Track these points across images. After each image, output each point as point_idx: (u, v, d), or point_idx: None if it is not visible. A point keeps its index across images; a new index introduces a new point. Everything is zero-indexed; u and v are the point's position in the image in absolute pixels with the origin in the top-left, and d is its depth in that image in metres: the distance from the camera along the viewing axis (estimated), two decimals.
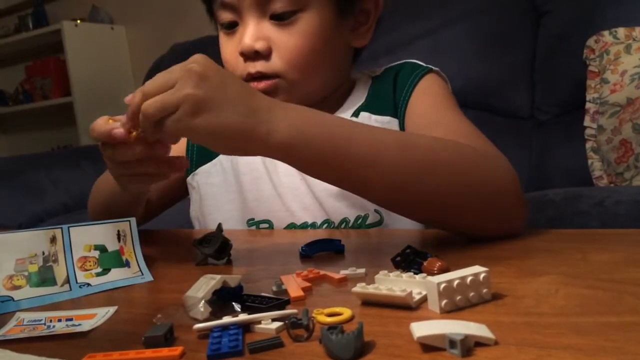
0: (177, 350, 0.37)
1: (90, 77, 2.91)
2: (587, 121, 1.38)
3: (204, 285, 0.43)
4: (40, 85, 3.16)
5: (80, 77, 2.89)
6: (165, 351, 0.37)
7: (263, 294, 0.45)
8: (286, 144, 0.53)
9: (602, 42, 1.39)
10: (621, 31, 1.37)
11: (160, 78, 0.53)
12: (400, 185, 0.57)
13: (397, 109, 0.79)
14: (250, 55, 0.74)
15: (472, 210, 0.58)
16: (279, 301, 0.43)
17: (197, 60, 0.53)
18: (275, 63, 0.74)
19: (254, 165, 0.82)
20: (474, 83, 1.56)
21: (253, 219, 0.81)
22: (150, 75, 2.44)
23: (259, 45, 0.73)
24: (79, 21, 2.95)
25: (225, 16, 0.77)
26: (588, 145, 1.37)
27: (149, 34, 2.93)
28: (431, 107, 0.77)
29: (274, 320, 0.40)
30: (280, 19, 0.74)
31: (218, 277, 0.44)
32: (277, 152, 0.54)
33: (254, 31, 0.74)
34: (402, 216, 0.63)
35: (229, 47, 0.77)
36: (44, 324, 0.46)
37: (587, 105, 1.39)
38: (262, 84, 0.75)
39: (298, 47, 0.74)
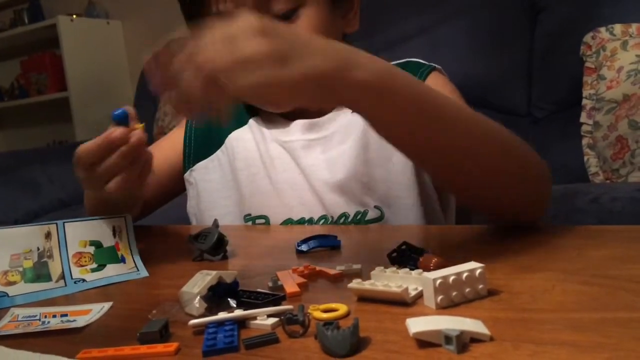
0: (172, 346, 0.37)
1: (86, 73, 2.90)
2: (583, 117, 1.38)
3: (200, 281, 0.43)
4: (36, 81, 3.14)
5: (76, 72, 2.88)
6: (160, 347, 0.37)
7: (259, 290, 0.45)
8: (376, 76, 0.48)
9: (598, 38, 1.39)
10: (618, 28, 1.37)
11: (219, 33, 0.44)
12: (476, 152, 0.55)
13: None
14: None
15: (518, 188, 0.59)
16: (275, 297, 0.43)
17: (250, 17, 0.45)
18: None
19: (251, 161, 0.81)
20: (472, 80, 1.56)
21: (250, 215, 0.81)
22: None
23: None
24: (74, 16, 2.94)
25: None
26: (584, 141, 1.38)
27: (146, 29, 2.91)
28: None
29: (269, 316, 0.39)
30: (284, 18, 0.74)
31: (214, 273, 0.43)
32: (371, 92, 0.48)
33: None
34: (443, 184, 0.63)
35: None
36: (39, 319, 0.46)
37: (584, 101, 1.39)
38: None
39: None
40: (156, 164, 0.89)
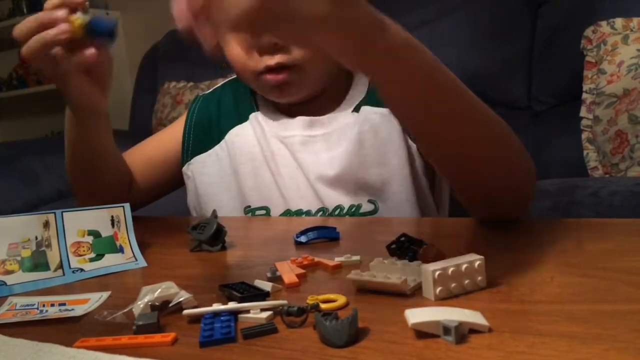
0: (169, 336, 0.37)
1: None
2: (583, 112, 1.38)
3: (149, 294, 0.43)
4: (35, 71, 3.13)
5: None
6: (158, 337, 0.37)
7: (246, 282, 0.44)
8: (403, 42, 0.49)
9: (599, 32, 1.39)
10: (619, 22, 1.37)
11: None
12: (485, 140, 0.56)
13: None
14: (270, 50, 0.74)
15: (516, 182, 0.59)
16: (258, 292, 0.42)
17: None
18: (295, 53, 0.74)
19: (253, 155, 0.82)
20: (472, 73, 1.55)
21: (250, 207, 0.81)
22: (145, 61, 2.44)
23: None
24: None
25: None
26: (584, 136, 1.37)
27: (145, 20, 2.90)
28: None
29: (263, 310, 0.39)
30: None
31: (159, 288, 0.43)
32: (401, 49, 0.49)
33: None
34: (445, 171, 0.62)
35: (238, 45, 0.77)
36: (37, 308, 0.46)
37: (584, 95, 1.39)
38: (282, 76, 0.75)
39: None
40: (156, 155, 0.90)
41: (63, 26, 0.59)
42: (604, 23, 1.38)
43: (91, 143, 0.76)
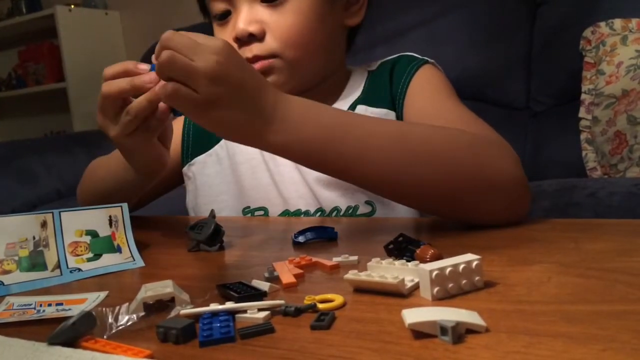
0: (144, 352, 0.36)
1: (84, 63, 2.88)
2: (582, 112, 1.38)
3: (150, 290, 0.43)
4: (34, 71, 3.13)
5: (74, 62, 2.86)
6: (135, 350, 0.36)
7: (243, 282, 0.44)
8: (283, 144, 0.55)
9: (598, 33, 1.39)
10: (618, 22, 1.37)
11: (180, 61, 0.51)
12: (395, 178, 0.57)
13: (394, 102, 0.79)
14: (245, 39, 0.74)
15: (472, 198, 0.58)
16: (255, 292, 0.42)
17: (222, 52, 0.52)
18: (270, 43, 0.74)
19: (251, 154, 0.82)
20: (470, 73, 1.55)
21: (249, 207, 0.81)
22: (144, 61, 2.42)
23: (253, 28, 0.74)
24: (72, 6, 2.92)
25: (218, 7, 0.77)
26: (582, 136, 1.37)
27: (144, 19, 2.90)
28: (430, 98, 0.77)
29: (260, 310, 0.39)
30: (271, 0, 0.74)
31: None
32: (275, 150, 0.56)
33: (246, 15, 0.74)
34: (402, 205, 0.64)
35: (224, 36, 0.77)
36: (34, 308, 0.46)
37: (583, 96, 1.39)
38: (258, 64, 0.75)
39: (290, 25, 0.74)
40: None
41: (154, 75, 0.58)
42: (602, 24, 1.38)
43: (141, 190, 0.77)
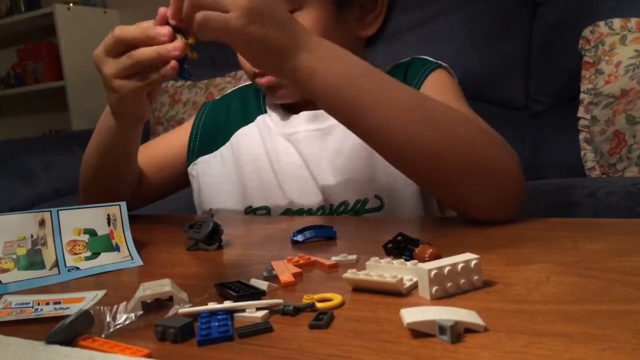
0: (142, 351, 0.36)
1: (82, 62, 2.86)
2: (581, 112, 1.38)
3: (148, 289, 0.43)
4: (32, 69, 3.12)
5: (73, 61, 2.86)
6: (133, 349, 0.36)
7: (242, 281, 0.44)
8: (308, 69, 0.57)
9: (597, 32, 1.39)
10: (617, 22, 1.37)
11: None
12: (406, 138, 0.58)
13: None
14: None
15: (472, 181, 0.58)
16: (254, 291, 0.42)
17: None
18: None
19: (256, 155, 0.83)
20: (470, 73, 1.55)
21: (251, 207, 0.81)
22: None
23: None
24: (71, 4, 2.91)
25: None
26: (581, 136, 1.37)
27: (142, 18, 2.89)
28: (440, 99, 0.77)
29: (258, 309, 0.39)
30: None
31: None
32: (299, 74, 0.57)
33: None
34: (400, 170, 0.64)
35: None
36: (32, 307, 0.46)
37: (582, 96, 1.39)
38: (265, 79, 0.77)
39: None
40: (162, 157, 0.90)
41: (179, 43, 0.58)
42: (602, 23, 1.38)
43: (126, 149, 0.77)
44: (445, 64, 0.83)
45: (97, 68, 0.64)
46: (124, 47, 0.61)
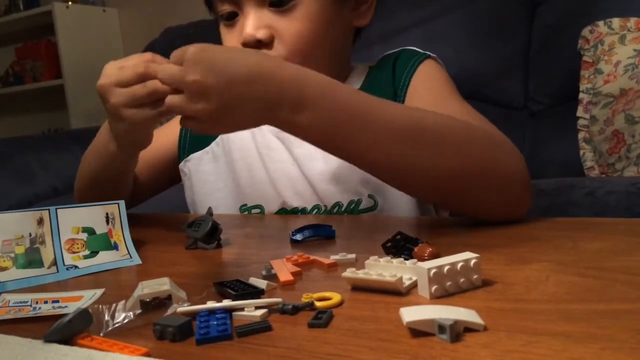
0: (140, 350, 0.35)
1: (81, 60, 2.87)
2: (580, 112, 1.38)
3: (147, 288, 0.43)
4: (31, 68, 3.11)
5: (72, 59, 2.85)
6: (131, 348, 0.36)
7: (240, 279, 0.44)
8: (294, 126, 0.55)
9: (596, 32, 1.39)
10: (616, 22, 1.37)
11: (174, 71, 0.53)
12: (409, 168, 0.57)
13: (396, 94, 0.79)
14: (253, 45, 0.73)
15: (481, 192, 0.58)
16: (253, 290, 0.42)
17: (195, 65, 0.52)
18: (278, 50, 0.74)
19: (247, 151, 0.82)
20: (468, 72, 1.55)
21: (246, 205, 0.81)
22: None
23: (261, 34, 0.73)
24: (70, 3, 2.91)
25: (224, 7, 0.76)
26: (580, 135, 1.37)
27: (141, 16, 2.89)
28: (434, 93, 0.77)
29: (257, 307, 0.39)
30: (279, 5, 0.73)
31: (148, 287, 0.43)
32: (286, 129, 0.56)
33: (254, 20, 0.73)
34: (408, 196, 0.63)
35: (231, 39, 0.77)
36: (30, 305, 0.45)
37: (581, 95, 1.39)
38: None
39: (300, 32, 0.73)
40: (153, 150, 0.89)
41: None
42: (601, 23, 1.38)
43: (126, 167, 0.77)
44: (434, 55, 0.82)
45: (101, 98, 0.62)
46: (141, 78, 0.60)
